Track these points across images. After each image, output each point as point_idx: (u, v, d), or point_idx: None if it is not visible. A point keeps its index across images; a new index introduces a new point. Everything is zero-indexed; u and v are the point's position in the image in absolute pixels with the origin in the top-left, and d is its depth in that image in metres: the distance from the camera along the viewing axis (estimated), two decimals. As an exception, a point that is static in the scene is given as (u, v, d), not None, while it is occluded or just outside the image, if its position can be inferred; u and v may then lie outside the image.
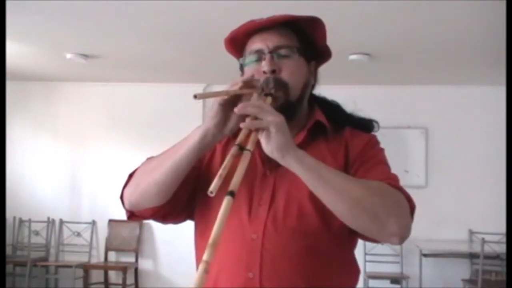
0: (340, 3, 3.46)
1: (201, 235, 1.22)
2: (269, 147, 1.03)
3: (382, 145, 1.26)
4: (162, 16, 3.86)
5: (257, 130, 1.02)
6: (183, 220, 1.28)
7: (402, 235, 1.06)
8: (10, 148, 6.02)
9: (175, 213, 1.23)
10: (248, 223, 1.14)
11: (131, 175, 1.22)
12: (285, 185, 1.16)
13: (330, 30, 1.26)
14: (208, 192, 0.92)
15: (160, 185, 1.13)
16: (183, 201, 1.22)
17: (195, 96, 1.01)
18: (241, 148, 1.00)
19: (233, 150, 0.99)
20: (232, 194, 0.92)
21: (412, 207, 1.11)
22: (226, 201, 0.91)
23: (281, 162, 1.05)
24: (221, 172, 0.95)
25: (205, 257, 0.85)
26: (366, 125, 1.28)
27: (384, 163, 1.21)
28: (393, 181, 1.12)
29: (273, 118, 1.02)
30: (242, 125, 1.02)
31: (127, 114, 6.03)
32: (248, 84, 1.10)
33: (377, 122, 1.30)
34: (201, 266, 0.84)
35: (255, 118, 1.02)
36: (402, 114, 5.77)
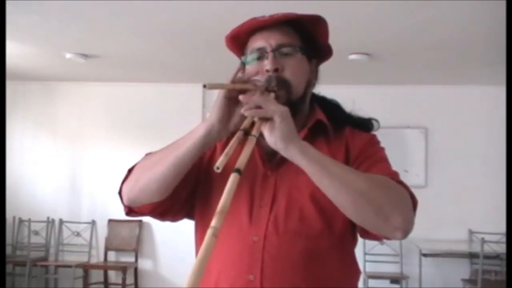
0: (340, 3, 3.45)
1: (201, 234, 1.22)
2: (272, 138, 1.01)
3: (382, 145, 1.26)
4: (161, 16, 3.86)
5: (261, 120, 1.02)
6: (182, 218, 1.27)
7: (406, 229, 1.04)
8: (10, 148, 6.01)
9: (174, 211, 1.22)
10: (249, 225, 1.14)
11: (130, 170, 1.21)
12: (286, 186, 1.15)
13: (330, 30, 1.25)
14: (215, 168, 0.91)
15: (160, 181, 1.12)
16: (183, 198, 1.21)
17: (204, 86, 1.01)
18: (246, 133, 0.98)
19: (238, 133, 0.98)
20: (238, 171, 0.91)
21: (414, 202, 1.10)
22: (232, 177, 0.90)
23: (284, 153, 1.03)
24: (227, 150, 0.94)
25: (213, 223, 0.85)
26: (366, 125, 1.28)
27: (385, 160, 1.20)
28: (395, 177, 1.12)
29: (278, 108, 1.01)
30: (247, 112, 1.01)
31: (126, 114, 6.03)
32: (252, 81, 1.10)
33: (377, 121, 1.29)
34: (209, 231, 0.83)
35: (260, 107, 1.02)
36: (402, 114, 5.77)
